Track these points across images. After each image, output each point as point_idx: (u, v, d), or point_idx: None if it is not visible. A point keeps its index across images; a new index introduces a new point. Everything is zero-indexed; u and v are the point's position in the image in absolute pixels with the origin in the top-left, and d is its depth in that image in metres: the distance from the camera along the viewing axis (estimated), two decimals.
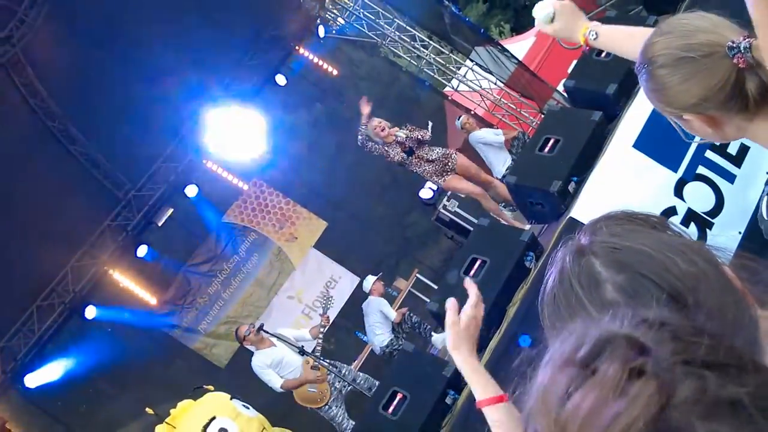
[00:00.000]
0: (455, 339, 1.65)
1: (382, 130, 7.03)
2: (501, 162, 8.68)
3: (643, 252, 0.93)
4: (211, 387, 4.22)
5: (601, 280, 0.93)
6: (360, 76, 15.04)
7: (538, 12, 1.77)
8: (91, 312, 9.88)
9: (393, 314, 8.14)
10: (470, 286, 1.75)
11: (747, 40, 1.33)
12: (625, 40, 1.71)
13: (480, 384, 1.59)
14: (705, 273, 0.90)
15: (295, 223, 12.15)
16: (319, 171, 12.52)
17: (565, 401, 0.64)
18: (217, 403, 3.95)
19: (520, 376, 0.77)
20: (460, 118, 9.12)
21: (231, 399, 4.02)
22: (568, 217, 4.29)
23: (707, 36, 1.37)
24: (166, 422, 3.83)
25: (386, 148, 7.05)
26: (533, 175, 4.83)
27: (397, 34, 12.05)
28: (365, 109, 7.09)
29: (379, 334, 8.13)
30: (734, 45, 1.33)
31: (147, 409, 4.03)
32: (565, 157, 4.77)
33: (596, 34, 1.74)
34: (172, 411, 3.96)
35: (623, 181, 4.46)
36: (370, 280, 8.50)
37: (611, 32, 1.75)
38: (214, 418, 3.79)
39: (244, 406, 4.03)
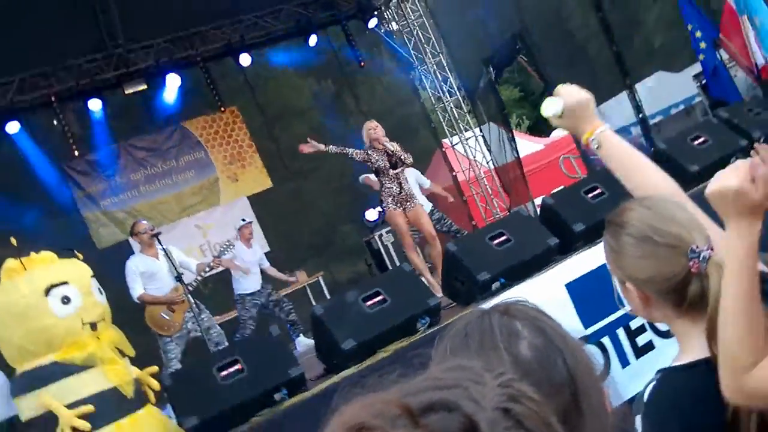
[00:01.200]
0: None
1: (375, 130, 7.00)
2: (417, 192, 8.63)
3: (560, 333, 0.99)
4: (80, 255, 4.12)
5: (521, 336, 0.98)
6: (382, 81, 15.12)
7: (547, 109, 1.81)
8: (13, 127, 9.54)
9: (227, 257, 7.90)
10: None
11: (709, 251, 1.42)
12: (630, 168, 1.74)
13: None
14: (596, 377, 0.95)
15: (245, 167, 12.05)
16: (294, 137, 12.44)
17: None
18: (77, 271, 3.85)
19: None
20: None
21: (91, 277, 3.93)
22: (477, 308, 4.36)
23: (679, 230, 1.46)
24: (21, 260, 3.72)
25: (370, 153, 7.01)
26: (471, 256, 4.90)
27: (435, 68, 12.18)
28: (308, 149, 6.97)
29: (238, 279, 8.20)
30: (696, 251, 1.43)
31: (12, 239, 3.90)
32: (506, 257, 4.87)
33: (599, 144, 1.77)
34: (33, 254, 3.85)
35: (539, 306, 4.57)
36: (240, 223, 8.64)
37: (616, 150, 1.76)
38: (66, 282, 3.70)
39: (99, 289, 3.94)
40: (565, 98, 1.78)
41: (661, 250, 1.45)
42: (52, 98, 9.66)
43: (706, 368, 1.42)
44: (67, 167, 10.78)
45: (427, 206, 8.57)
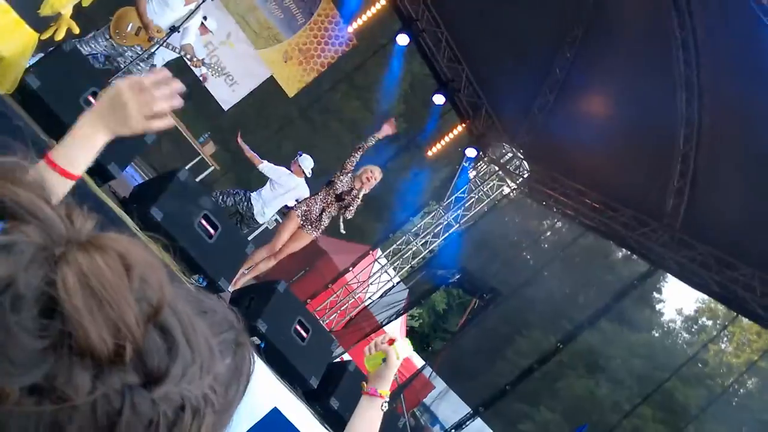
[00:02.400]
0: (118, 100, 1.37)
1: (369, 179, 7.02)
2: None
3: None
4: None
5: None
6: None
7: (408, 350, 1.96)
8: None
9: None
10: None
11: None
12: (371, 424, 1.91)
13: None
14: None
15: (305, 64, 11.92)
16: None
17: None
18: None
19: None
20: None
21: None
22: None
23: None
24: None
25: (350, 175, 7.03)
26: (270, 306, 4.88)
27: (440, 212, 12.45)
28: (388, 130, 7.02)
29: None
30: None
31: None
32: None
33: (386, 405, 1.98)
34: None
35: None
36: None
37: (365, 417, 1.94)
38: None
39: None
40: (395, 360, 2.01)
41: None
42: None
43: None
44: None
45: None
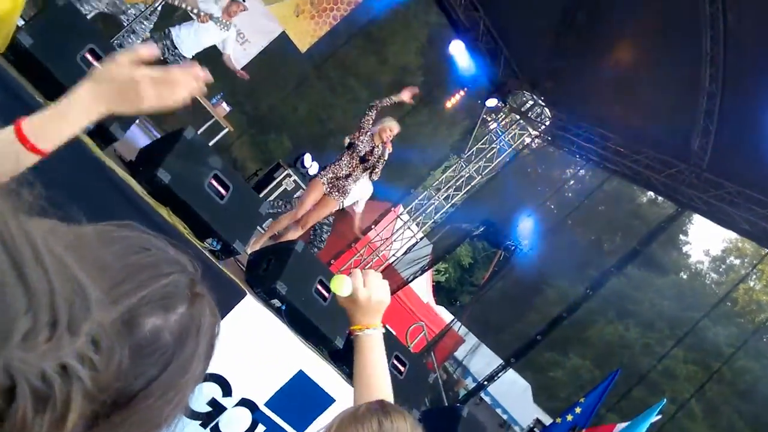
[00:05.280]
0: (117, 77, 1.19)
1: (387, 137, 6.85)
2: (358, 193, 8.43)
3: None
4: None
5: None
6: (431, 122, 15.06)
7: (341, 288, 1.71)
8: None
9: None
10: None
11: None
12: (362, 380, 1.73)
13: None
14: None
15: (315, 18, 11.62)
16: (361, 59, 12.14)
17: None
18: None
19: None
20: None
21: None
22: (243, 291, 4.20)
23: None
24: None
25: (369, 135, 6.85)
26: (296, 268, 4.74)
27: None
28: (407, 95, 6.85)
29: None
30: None
31: None
32: (318, 307, 4.74)
33: (359, 340, 1.74)
34: None
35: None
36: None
37: (370, 350, 1.75)
38: None
39: None
40: (368, 287, 1.71)
41: None
42: None
43: None
44: None
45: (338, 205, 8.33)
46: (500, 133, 12.36)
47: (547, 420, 10.13)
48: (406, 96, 6.83)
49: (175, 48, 7.09)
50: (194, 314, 0.78)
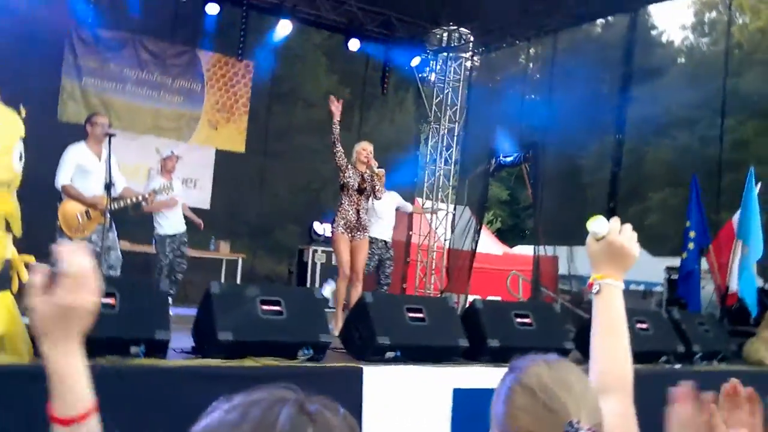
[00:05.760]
0: (47, 318, 1.10)
1: (366, 158, 6.95)
2: (390, 221, 8.56)
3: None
4: (23, 112, 3.84)
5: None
6: (391, 117, 15.08)
7: (595, 224, 1.70)
8: None
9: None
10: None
11: (590, 430, 1.32)
12: (605, 330, 1.66)
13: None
14: None
15: (229, 121, 11.80)
16: (287, 121, 12.26)
17: None
18: (7, 124, 3.56)
19: None
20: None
21: (20, 138, 3.65)
22: (359, 366, 4.22)
23: (568, 399, 1.36)
24: None
25: (349, 167, 6.95)
26: (381, 315, 4.76)
27: (445, 132, 12.25)
28: (335, 107, 6.88)
29: (162, 220, 7.92)
30: (574, 426, 1.31)
31: None
32: (414, 333, 4.75)
33: (599, 288, 1.68)
34: None
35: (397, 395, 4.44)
36: (167, 155, 8.28)
37: (609, 307, 1.68)
38: None
39: (20, 154, 3.67)
40: (624, 235, 1.69)
41: (540, 409, 1.35)
42: None
43: None
44: (73, 29, 10.42)
45: (387, 234, 8.36)
46: (443, 78, 12.35)
47: (674, 262, 9.98)
48: (334, 109, 6.89)
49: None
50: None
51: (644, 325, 6.11)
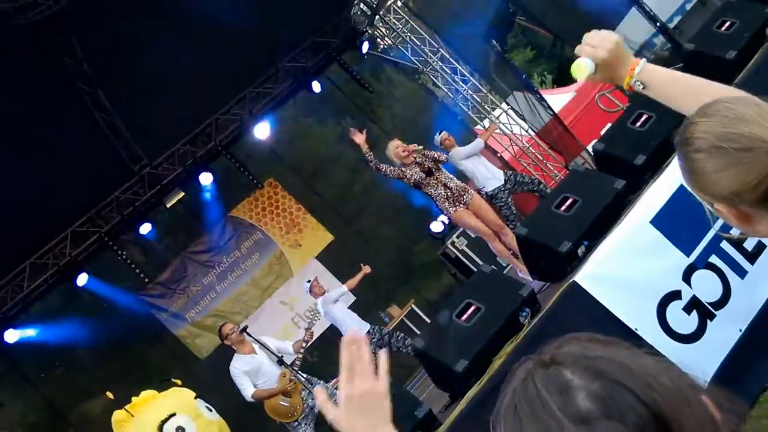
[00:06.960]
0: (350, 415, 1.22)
1: (403, 151, 7.05)
2: (483, 168, 8.40)
3: (621, 363, 0.83)
4: (178, 381, 4.12)
5: (573, 386, 0.82)
6: (395, 97, 15.04)
7: (579, 72, 1.67)
8: (82, 279, 9.79)
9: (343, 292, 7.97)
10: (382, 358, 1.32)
11: None
12: (682, 97, 1.58)
13: None
14: (688, 398, 0.80)
15: (302, 230, 12.10)
16: (335, 184, 12.43)
17: None
18: (180, 399, 3.84)
19: None
20: (440, 133, 8.50)
21: (195, 398, 3.91)
22: (571, 280, 4.17)
23: (750, 128, 1.23)
24: (126, 409, 3.73)
25: (403, 169, 7.06)
26: (544, 231, 4.70)
27: (440, 64, 12.03)
28: (359, 138, 7.08)
29: (350, 323, 7.93)
30: None
31: (108, 393, 3.94)
32: (580, 219, 4.65)
33: (643, 84, 1.62)
34: (134, 398, 3.86)
35: (633, 255, 4.32)
36: (306, 286, 8.26)
37: (664, 84, 1.61)
38: (174, 414, 3.68)
39: (207, 407, 3.92)
40: (595, 53, 1.65)
41: (735, 157, 1.23)
42: (106, 239, 9.85)
43: None
44: (142, 296, 11.02)
45: (489, 186, 8.26)
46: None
47: None
48: (359, 141, 7.07)
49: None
50: None
51: (726, 24, 5.54)
